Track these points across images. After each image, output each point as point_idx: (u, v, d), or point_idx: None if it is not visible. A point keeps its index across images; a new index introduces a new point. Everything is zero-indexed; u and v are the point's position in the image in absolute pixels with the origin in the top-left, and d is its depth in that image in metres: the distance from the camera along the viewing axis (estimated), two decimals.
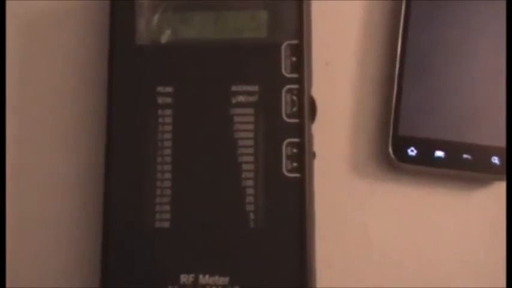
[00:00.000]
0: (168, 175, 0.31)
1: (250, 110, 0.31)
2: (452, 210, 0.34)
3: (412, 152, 0.33)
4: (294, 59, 0.31)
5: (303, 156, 0.31)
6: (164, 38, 0.32)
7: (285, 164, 0.31)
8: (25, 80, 0.35)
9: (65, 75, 0.35)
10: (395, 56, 0.34)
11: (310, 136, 0.31)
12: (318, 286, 0.30)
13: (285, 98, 0.31)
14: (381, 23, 0.35)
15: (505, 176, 0.32)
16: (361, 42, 0.35)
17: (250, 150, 0.31)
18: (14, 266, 0.33)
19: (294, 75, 0.31)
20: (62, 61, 0.35)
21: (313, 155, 0.31)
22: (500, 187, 0.33)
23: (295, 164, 0.31)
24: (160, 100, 0.31)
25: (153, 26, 0.32)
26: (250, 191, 0.31)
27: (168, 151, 0.31)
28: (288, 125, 0.31)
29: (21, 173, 0.34)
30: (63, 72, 0.35)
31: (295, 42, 0.32)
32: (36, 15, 0.36)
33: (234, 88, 0.31)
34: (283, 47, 0.32)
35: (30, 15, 0.36)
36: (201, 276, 0.30)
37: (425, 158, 0.33)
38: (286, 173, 0.31)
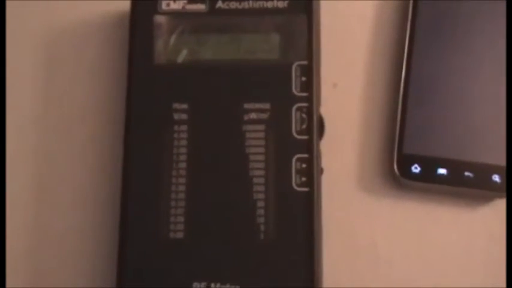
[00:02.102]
0: (182, 188, 0.32)
1: (262, 127, 0.32)
2: (456, 225, 0.34)
3: (415, 169, 0.34)
4: (303, 78, 0.32)
5: (312, 171, 0.31)
6: (181, 58, 0.33)
7: (294, 179, 0.31)
8: (44, 98, 0.36)
9: (85, 92, 0.36)
10: (400, 78, 0.35)
11: (319, 152, 0.32)
12: None
13: (294, 115, 0.32)
14: (387, 46, 0.36)
15: (505, 194, 0.33)
16: (368, 64, 0.36)
17: (261, 165, 0.32)
18: (34, 274, 0.34)
19: (304, 94, 0.32)
20: (81, 79, 0.36)
21: (321, 170, 0.32)
22: (501, 204, 0.34)
23: (304, 179, 0.31)
24: (176, 116, 0.32)
25: (171, 46, 0.33)
26: (260, 204, 0.31)
27: (183, 164, 0.32)
28: (298, 141, 0.32)
29: (42, 187, 0.35)
30: (82, 89, 0.36)
31: (304, 62, 0.33)
32: (55, 34, 0.37)
33: (246, 106, 0.32)
34: (293, 67, 0.33)
35: (49, 35, 0.37)
36: (212, 284, 0.30)
37: (428, 175, 0.33)
38: (295, 187, 0.31)
